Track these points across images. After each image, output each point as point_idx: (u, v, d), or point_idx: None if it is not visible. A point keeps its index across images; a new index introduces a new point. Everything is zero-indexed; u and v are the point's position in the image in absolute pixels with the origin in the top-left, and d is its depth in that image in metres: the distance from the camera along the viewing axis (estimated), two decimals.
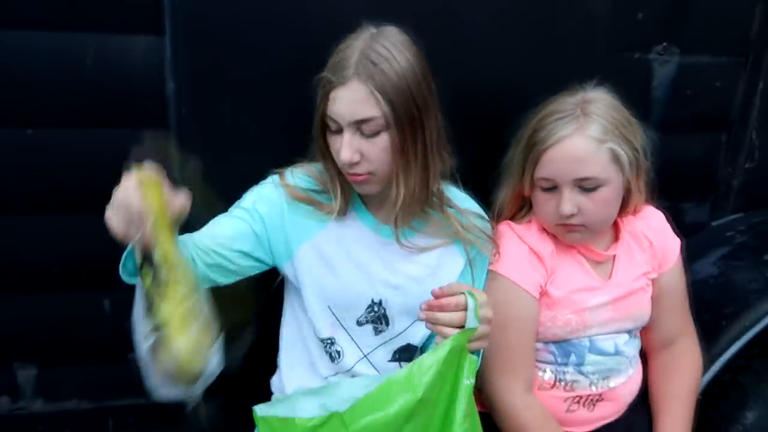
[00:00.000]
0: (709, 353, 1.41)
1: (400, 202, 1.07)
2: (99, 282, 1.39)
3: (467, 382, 0.99)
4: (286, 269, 1.17)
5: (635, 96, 1.46)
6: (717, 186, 1.68)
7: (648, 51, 1.49)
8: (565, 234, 1.21)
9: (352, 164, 1.04)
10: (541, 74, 1.34)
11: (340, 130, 1.04)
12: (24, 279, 1.38)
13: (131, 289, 1.40)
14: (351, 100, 1.00)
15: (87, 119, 1.28)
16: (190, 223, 1.01)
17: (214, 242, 1.08)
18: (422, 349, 1.21)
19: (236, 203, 1.16)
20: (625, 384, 1.30)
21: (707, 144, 1.64)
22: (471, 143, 1.39)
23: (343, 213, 1.13)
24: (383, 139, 1.03)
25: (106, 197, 1.30)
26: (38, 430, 1.49)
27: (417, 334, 1.18)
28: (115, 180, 1.29)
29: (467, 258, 1.16)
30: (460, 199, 1.20)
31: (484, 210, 1.24)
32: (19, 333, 1.42)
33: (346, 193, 1.12)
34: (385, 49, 1.01)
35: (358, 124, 1.02)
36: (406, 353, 1.20)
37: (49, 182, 1.31)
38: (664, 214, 1.35)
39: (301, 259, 1.14)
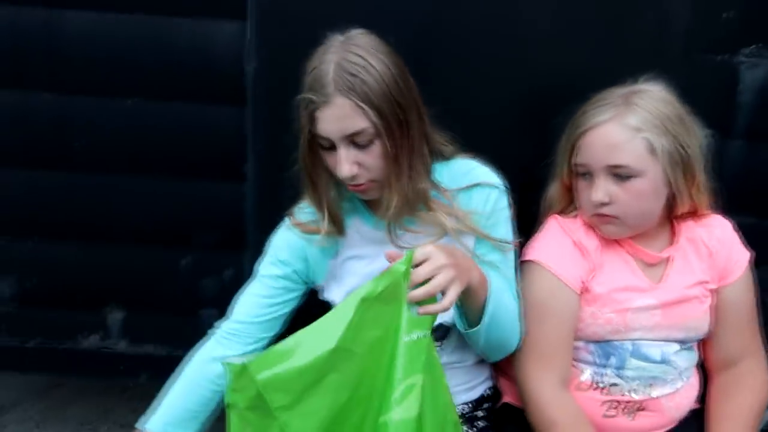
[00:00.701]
0: None
1: (393, 206, 1.08)
2: (179, 240, 1.56)
3: (406, 338, 0.92)
4: (318, 287, 1.24)
5: (717, 102, 1.41)
6: None
7: (734, 53, 1.41)
8: (601, 225, 1.19)
9: (352, 177, 1.06)
10: (610, 75, 1.30)
11: (333, 147, 1.04)
12: (118, 232, 1.57)
13: (207, 249, 1.56)
14: (338, 116, 1.01)
15: (177, 93, 1.45)
16: None
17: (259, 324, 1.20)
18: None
19: (260, 265, 1.23)
20: (672, 396, 1.24)
21: None
22: (528, 139, 1.41)
23: (336, 232, 1.15)
24: (377, 147, 1.04)
25: (191, 164, 1.49)
26: (120, 368, 1.68)
27: (446, 314, 1.20)
28: (197, 148, 1.47)
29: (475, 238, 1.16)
30: (462, 171, 1.18)
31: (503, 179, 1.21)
32: (112, 279, 1.61)
33: (334, 210, 1.14)
34: (359, 57, 1.01)
35: (351, 138, 1.03)
36: (439, 332, 1.23)
37: (143, 147, 1.49)
38: (741, 229, 1.27)
39: (329, 277, 1.21)
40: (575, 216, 1.25)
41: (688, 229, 1.24)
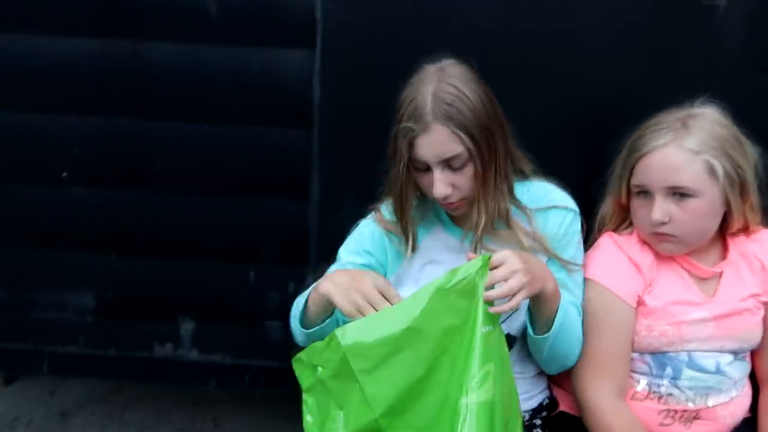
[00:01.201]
0: None
1: (482, 225, 1.17)
2: (247, 256, 1.66)
3: (484, 330, 1.02)
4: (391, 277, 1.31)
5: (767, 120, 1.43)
6: None
7: None
8: (658, 243, 1.24)
9: (447, 196, 1.15)
10: (660, 95, 1.33)
11: (428, 169, 1.13)
12: (191, 247, 1.68)
13: (272, 264, 1.66)
14: (436, 142, 1.10)
15: (250, 118, 1.56)
16: None
17: None
18: (522, 338, 1.28)
19: (347, 250, 1.29)
20: (726, 405, 1.27)
21: None
22: (583, 155, 1.46)
23: (409, 249, 1.23)
24: (469, 169, 1.13)
25: (260, 184, 1.59)
26: (191, 375, 1.78)
27: (513, 326, 1.26)
28: (266, 169, 1.57)
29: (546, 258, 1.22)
30: (541, 193, 1.26)
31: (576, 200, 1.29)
32: (184, 292, 1.72)
33: (413, 230, 1.23)
34: (453, 87, 1.09)
35: (446, 161, 1.11)
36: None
37: (216, 168, 1.60)
38: None
39: (397, 277, 1.28)
40: (630, 233, 1.30)
41: (739, 243, 1.28)
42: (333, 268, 1.29)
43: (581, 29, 1.43)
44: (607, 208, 1.33)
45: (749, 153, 1.20)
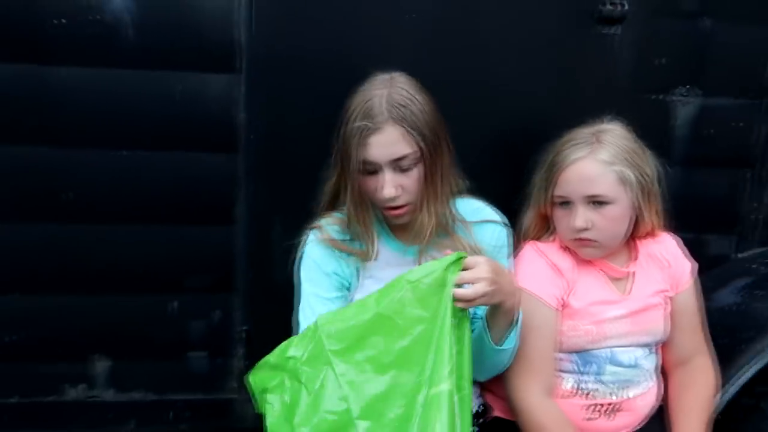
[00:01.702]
0: (728, 374, 1.48)
1: (429, 229, 1.22)
2: (169, 285, 1.59)
3: (454, 321, 1.08)
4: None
5: (658, 134, 1.61)
6: (742, 220, 1.76)
7: (669, 93, 1.62)
8: (581, 249, 1.34)
9: (394, 198, 1.19)
10: (569, 115, 1.44)
11: (375, 171, 1.17)
12: (106, 280, 1.58)
13: (196, 292, 1.60)
14: (389, 142, 1.15)
15: (171, 143, 1.50)
16: None
17: None
18: None
19: (311, 283, 1.30)
20: (643, 396, 1.39)
21: (732, 180, 1.74)
22: (503, 173, 1.56)
23: (376, 256, 1.26)
24: (417, 172, 1.19)
25: (183, 212, 1.53)
26: (108, 417, 1.67)
27: None
28: (189, 197, 1.52)
29: None
30: (472, 209, 1.34)
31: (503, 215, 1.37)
32: (99, 328, 1.61)
33: (374, 235, 1.27)
34: (406, 92, 1.16)
35: (396, 162, 1.16)
36: None
37: (135, 196, 1.53)
38: (683, 241, 1.46)
39: (357, 283, 1.30)
40: (552, 240, 1.40)
41: (646, 245, 1.41)
42: (303, 305, 1.30)
43: (495, 57, 1.53)
44: (529, 219, 1.42)
45: (651, 163, 1.34)
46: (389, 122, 1.14)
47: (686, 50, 1.60)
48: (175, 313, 1.62)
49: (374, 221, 1.28)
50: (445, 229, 1.27)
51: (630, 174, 1.29)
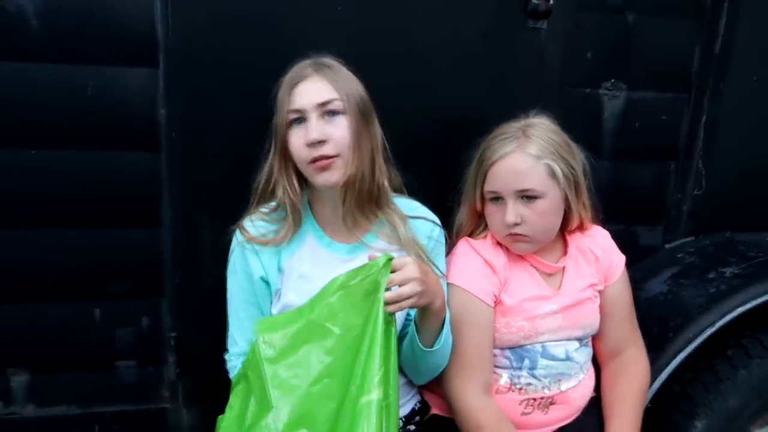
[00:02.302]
0: (658, 363, 1.53)
1: (357, 178, 1.20)
2: (92, 292, 1.51)
3: (384, 327, 1.07)
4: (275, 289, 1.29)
5: (587, 127, 1.64)
6: (668, 211, 1.82)
7: (597, 87, 1.65)
8: (513, 244, 1.34)
9: (320, 144, 1.17)
10: (498, 107, 1.45)
11: (301, 121, 1.19)
12: (21, 289, 1.48)
13: (121, 298, 1.53)
14: (313, 89, 1.19)
15: (86, 142, 1.42)
16: None
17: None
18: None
19: (235, 287, 1.30)
20: (576, 388, 1.40)
21: (657, 172, 1.78)
22: (434, 168, 1.55)
23: (293, 231, 1.26)
24: (343, 120, 1.19)
25: (101, 214, 1.45)
26: None
27: None
28: (109, 198, 1.44)
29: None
30: (408, 207, 1.33)
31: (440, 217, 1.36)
32: (14, 340, 1.51)
33: (297, 216, 1.25)
34: (332, 61, 1.24)
35: (322, 107, 1.18)
36: None
37: (48, 199, 1.43)
38: (612, 235, 1.48)
39: (281, 285, 1.27)
40: (485, 237, 1.39)
41: (576, 239, 1.43)
42: (231, 304, 1.30)
43: (426, 53, 1.51)
44: (462, 215, 1.41)
45: (578, 156, 1.35)
46: (314, 74, 1.21)
47: (611, 44, 1.63)
48: (100, 321, 1.54)
49: (304, 205, 1.26)
50: (384, 203, 1.26)
51: (558, 168, 1.29)
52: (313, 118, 1.18)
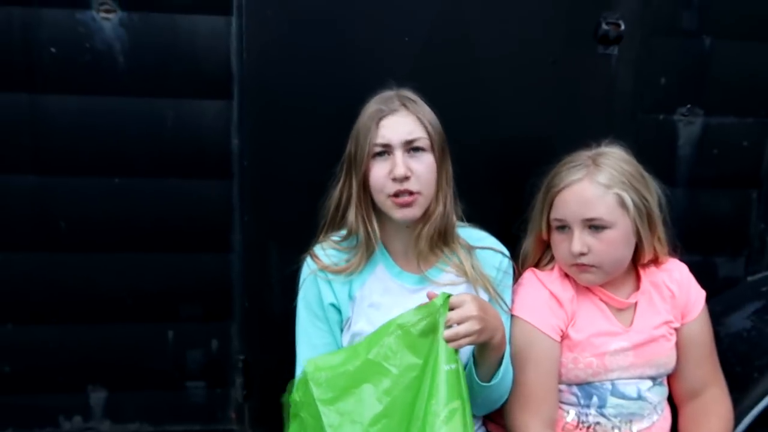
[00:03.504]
0: (741, 405, 1.43)
1: (435, 217, 1.21)
2: (165, 314, 1.57)
3: (446, 368, 1.05)
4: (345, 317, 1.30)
5: (661, 155, 1.58)
6: (751, 242, 1.72)
7: (672, 112, 1.59)
8: (579, 275, 1.30)
9: (404, 180, 1.17)
10: (568, 136, 1.43)
11: (385, 154, 1.20)
12: (101, 309, 1.56)
13: (193, 321, 1.58)
14: (402, 123, 1.20)
15: (164, 170, 1.49)
16: None
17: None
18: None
19: (306, 313, 1.30)
20: (649, 429, 1.33)
21: (738, 200, 1.69)
22: (502, 197, 1.53)
23: (365, 260, 1.26)
24: (427, 158, 1.21)
25: (178, 239, 1.52)
26: None
27: None
28: (183, 224, 1.51)
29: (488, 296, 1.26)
30: (476, 237, 1.31)
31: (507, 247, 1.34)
32: (94, 358, 1.59)
33: (371, 246, 1.25)
34: (414, 94, 1.26)
35: (408, 144, 1.19)
36: None
37: (127, 224, 1.51)
38: (690, 267, 1.41)
39: (351, 314, 1.28)
40: (552, 268, 1.36)
41: (650, 274, 1.37)
42: (302, 331, 1.29)
43: (494, 81, 1.51)
44: (528, 244, 1.39)
45: (652, 188, 1.30)
46: (403, 108, 1.22)
47: (686, 69, 1.57)
48: (172, 343, 1.60)
49: (376, 237, 1.25)
50: (452, 240, 1.25)
51: (629, 197, 1.25)
52: (399, 154, 1.19)
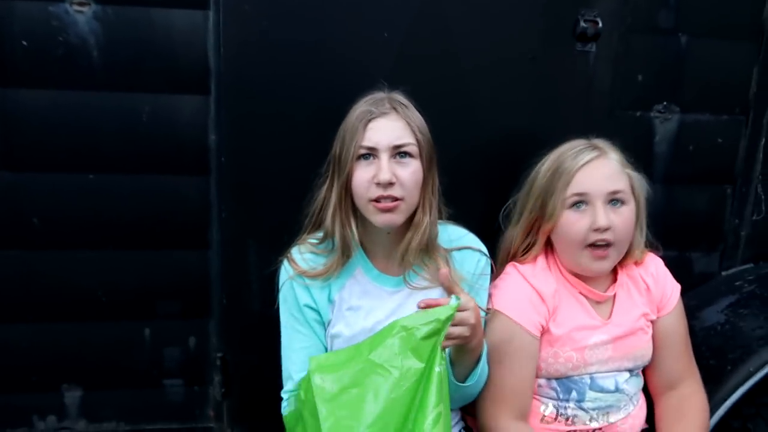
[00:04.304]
0: (715, 398, 1.46)
1: (423, 228, 1.20)
2: (141, 312, 1.55)
3: (438, 369, 1.06)
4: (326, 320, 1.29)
5: (638, 151, 1.58)
6: (725, 237, 1.75)
7: (649, 109, 1.61)
8: (592, 263, 1.28)
9: (388, 186, 1.15)
10: (546, 132, 1.43)
11: (370, 157, 1.17)
12: (75, 307, 1.53)
13: (170, 318, 1.56)
14: (392, 128, 1.17)
15: (140, 166, 1.47)
16: None
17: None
18: None
19: (287, 318, 1.28)
20: (625, 420, 1.35)
21: (713, 197, 1.72)
22: (480, 192, 1.53)
23: (342, 264, 1.24)
24: (414, 165, 1.19)
25: (155, 236, 1.50)
26: None
27: None
28: (160, 221, 1.49)
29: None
30: (455, 235, 1.31)
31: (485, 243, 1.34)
32: (68, 357, 1.56)
33: (347, 250, 1.23)
34: (406, 100, 1.23)
35: (395, 149, 1.17)
36: None
37: (102, 221, 1.48)
38: (666, 262, 1.42)
39: (331, 316, 1.27)
40: (534, 259, 1.35)
41: (626, 267, 1.38)
42: (284, 336, 1.28)
43: (472, 77, 1.50)
44: (511, 237, 1.38)
45: (644, 183, 1.32)
46: (393, 112, 1.19)
47: (663, 66, 1.59)
48: (149, 340, 1.58)
49: (355, 241, 1.22)
50: (431, 251, 1.24)
51: (637, 181, 1.29)
52: (385, 158, 1.16)
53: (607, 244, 1.26)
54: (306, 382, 1.13)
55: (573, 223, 1.28)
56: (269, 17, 1.40)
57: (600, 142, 1.32)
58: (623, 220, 1.26)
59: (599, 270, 1.30)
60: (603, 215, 1.24)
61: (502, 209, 1.42)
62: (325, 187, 1.24)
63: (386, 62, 1.45)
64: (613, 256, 1.29)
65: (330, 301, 1.26)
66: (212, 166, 1.49)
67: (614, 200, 1.26)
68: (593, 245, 1.26)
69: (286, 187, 1.46)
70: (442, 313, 1.07)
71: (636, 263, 1.37)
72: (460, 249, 1.28)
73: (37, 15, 1.37)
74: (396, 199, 1.16)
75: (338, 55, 1.44)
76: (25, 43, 1.37)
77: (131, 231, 1.50)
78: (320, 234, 1.26)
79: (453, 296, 1.10)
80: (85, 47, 1.39)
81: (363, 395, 1.07)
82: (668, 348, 1.38)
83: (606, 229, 1.25)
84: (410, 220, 1.21)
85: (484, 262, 1.30)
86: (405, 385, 1.06)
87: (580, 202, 1.27)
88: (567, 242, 1.29)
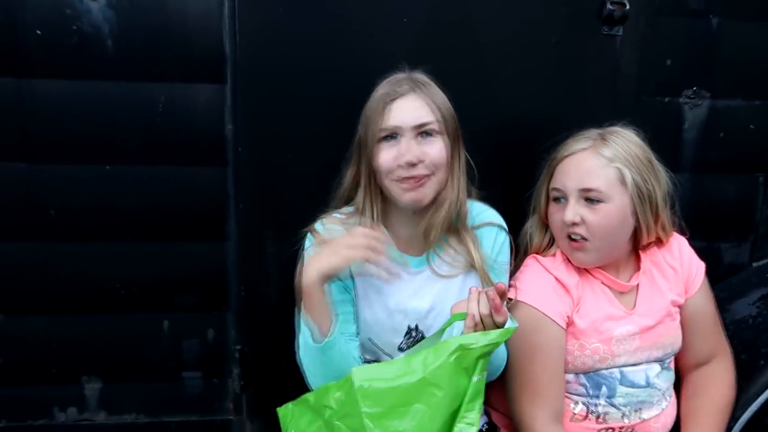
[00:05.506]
0: (747, 392, 1.41)
1: (446, 204, 1.18)
2: (159, 304, 1.54)
3: (476, 378, 1.04)
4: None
5: (666, 138, 1.54)
6: (756, 227, 1.69)
7: (677, 95, 1.55)
8: (572, 253, 1.28)
9: (412, 166, 1.14)
10: (570, 118, 1.39)
11: (393, 138, 1.16)
12: (94, 300, 1.53)
13: (188, 311, 1.55)
14: (412, 108, 1.16)
15: (157, 157, 1.45)
16: None
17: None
18: None
19: None
20: (658, 417, 1.31)
21: (744, 185, 1.67)
22: (505, 177, 1.49)
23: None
24: (439, 142, 1.17)
25: (172, 227, 1.48)
26: None
27: None
28: (177, 212, 1.47)
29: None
30: (476, 211, 1.28)
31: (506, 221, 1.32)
32: (88, 349, 1.56)
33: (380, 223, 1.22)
34: (427, 79, 1.21)
35: (418, 128, 1.15)
36: None
37: (119, 212, 1.47)
38: (695, 250, 1.38)
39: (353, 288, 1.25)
40: (554, 254, 1.33)
41: (650, 254, 1.34)
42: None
43: (495, 62, 1.46)
44: (533, 225, 1.36)
45: (661, 177, 1.27)
46: (413, 91, 1.17)
47: (693, 50, 1.53)
48: (167, 333, 1.57)
49: (378, 222, 1.22)
50: (460, 229, 1.23)
51: (629, 175, 1.22)
52: (407, 139, 1.15)
53: (583, 238, 1.24)
54: (345, 393, 1.07)
55: (552, 216, 1.30)
56: (285, 2, 1.37)
57: (611, 133, 1.26)
58: (598, 219, 1.23)
59: (581, 261, 1.29)
60: (570, 211, 1.24)
61: (526, 195, 1.39)
62: (350, 169, 1.24)
63: (405, 49, 1.41)
64: (591, 251, 1.26)
65: (351, 277, 1.24)
66: (229, 156, 1.46)
67: (589, 198, 1.23)
68: (569, 237, 1.26)
69: (305, 177, 1.43)
70: (500, 337, 1.05)
71: (658, 247, 1.33)
72: (481, 226, 1.27)
73: (50, 4, 1.35)
74: (423, 176, 1.16)
75: (356, 41, 1.41)
76: (39, 32, 1.35)
77: (148, 222, 1.49)
78: (349, 209, 1.25)
79: (509, 317, 1.09)
80: (99, 36, 1.37)
81: (416, 415, 1.03)
82: (697, 329, 1.35)
83: (574, 224, 1.23)
84: (435, 199, 1.20)
85: (503, 238, 1.28)
86: (453, 405, 1.04)
87: (559, 196, 1.27)
88: (553, 232, 1.32)
